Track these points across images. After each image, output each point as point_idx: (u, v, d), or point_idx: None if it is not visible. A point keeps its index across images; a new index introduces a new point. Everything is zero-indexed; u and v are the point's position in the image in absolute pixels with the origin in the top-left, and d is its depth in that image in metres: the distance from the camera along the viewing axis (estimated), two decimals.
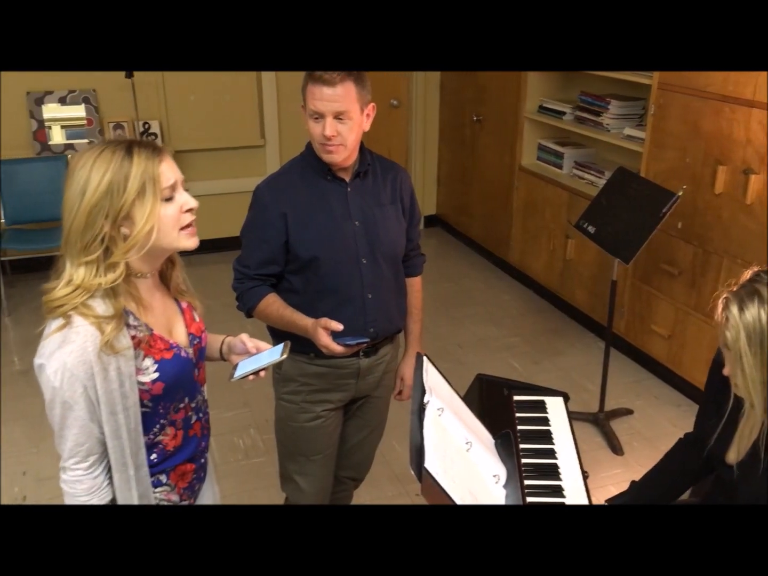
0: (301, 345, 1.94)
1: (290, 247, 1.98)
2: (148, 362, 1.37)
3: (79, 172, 1.28)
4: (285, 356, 1.53)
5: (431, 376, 1.65)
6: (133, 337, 1.34)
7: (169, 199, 1.34)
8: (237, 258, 2.06)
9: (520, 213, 4.76)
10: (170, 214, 1.34)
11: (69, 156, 4.66)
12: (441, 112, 5.70)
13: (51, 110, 4.67)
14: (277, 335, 2.10)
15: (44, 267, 4.81)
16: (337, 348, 1.85)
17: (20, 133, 4.65)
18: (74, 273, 1.30)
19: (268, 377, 2.21)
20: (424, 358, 1.67)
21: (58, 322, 1.29)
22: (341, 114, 1.85)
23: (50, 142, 4.69)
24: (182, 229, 1.37)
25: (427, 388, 1.57)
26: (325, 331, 1.84)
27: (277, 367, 2.13)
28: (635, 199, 3.09)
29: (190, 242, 1.39)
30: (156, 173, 1.30)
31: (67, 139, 4.73)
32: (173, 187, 1.35)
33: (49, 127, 4.68)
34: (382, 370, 2.16)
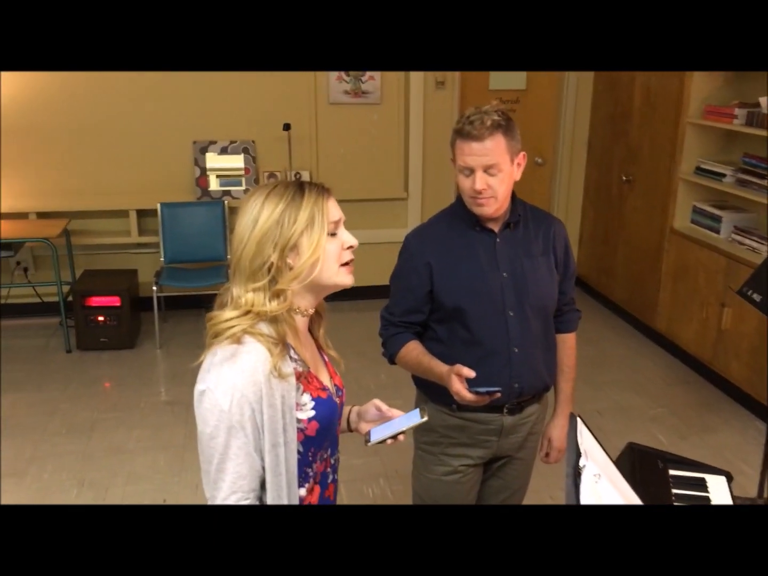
0: (443, 395, 1.90)
1: (435, 296, 1.97)
2: (306, 398, 1.37)
3: (252, 204, 1.34)
4: (425, 419, 1.49)
5: (586, 439, 1.55)
6: (294, 370, 1.35)
7: (332, 235, 1.38)
8: (385, 305, 2.08)
9: (670, 277, 4.52)
10: (333, 249, 1.37)
11: (226, 201, 4.94)
12: (587, 171, 5.58)
13: (212, 159, 4.99)
14: (420, 384, 2.07)
15: (195, 305, 5.10)
16: (468, 395, 1.78)
17: (184, 178, 5.01)
18: (242, 298, 1.34)
19: None
20: (578, 419, 1.58)
21: (224, 348, 1.31)
22: (491, 167, 1.83)
23: (210, 189, 5.01)
24: (342, 265, 1.40)
25: (582, 451, 1.47)
26: (458, 378, 1.79)
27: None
28: None
29: (348, 279, 1.42)
30: (324, 208, 1.35)
31: (223, 186, 5.04)
32: (337, 224, 1.39)
33: (209, 176, 5.00)
34: (527, 431, 2.07)
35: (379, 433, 1.49)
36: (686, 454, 3.35)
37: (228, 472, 1.29)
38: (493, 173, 1.83)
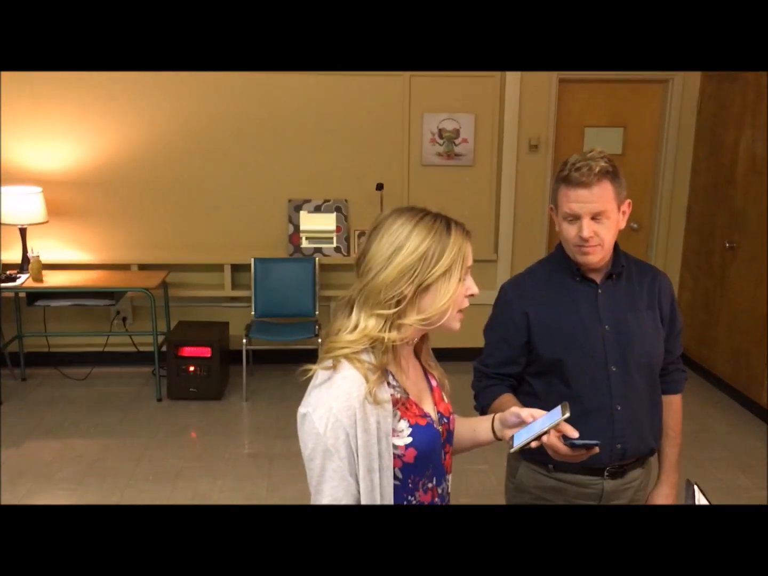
0: (539, 453, 1.78)
1: (532, 347, 1.89)
2: (403, 424, 1.33)
3: (397, 230, 1.31)
4: (567, 415, 1.44)
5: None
6: (391, 396, 1.33)
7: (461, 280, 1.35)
8: (479, 357, 2.00)
9: None
10: (459, 293, 1.35)
11: (317, 258, 5.02)
12: (686, 238, 5.38)
13: (306, 218, 5.10)
14: None
15: (282, 360, 5.15)
16: (563, 448, 1.65)
17: (278, 235, 5.13)
18: (364, 322, 1.32)
19: (500, 484, 2.09)
20: (696, 487, 1.45)
21: (323, 372, 1.32)
22: (598, 214, 1.75)
23: (302, 246, 5.11)
24: (458, 311, 1.37)
25: None
26: (555, 433, 1.68)
27: (511, 475, 2.00)
28: None
29: (458, 325, 1.39)
30: (467, 253, 1.33)
31: (315, 244, 5.13)
32: (468, 269, 1.36)
33: (302, 235, 5.11)
34: (629, 497, 1.93)
35: (521, 437, 1.44)
36: None
37: (325, 495, 1.29)
38: (600, 220, 1.76)
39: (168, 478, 3.69)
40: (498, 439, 1.56)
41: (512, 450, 1.44)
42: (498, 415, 1.55)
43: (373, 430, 1.28)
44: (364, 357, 1.32)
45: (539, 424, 1.44)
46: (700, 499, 1.43)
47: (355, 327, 1.32)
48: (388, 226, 1.32)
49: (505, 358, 1.93)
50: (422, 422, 1.37)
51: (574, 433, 1.60)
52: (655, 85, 5.23)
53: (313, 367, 1.36)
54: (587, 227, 1.76)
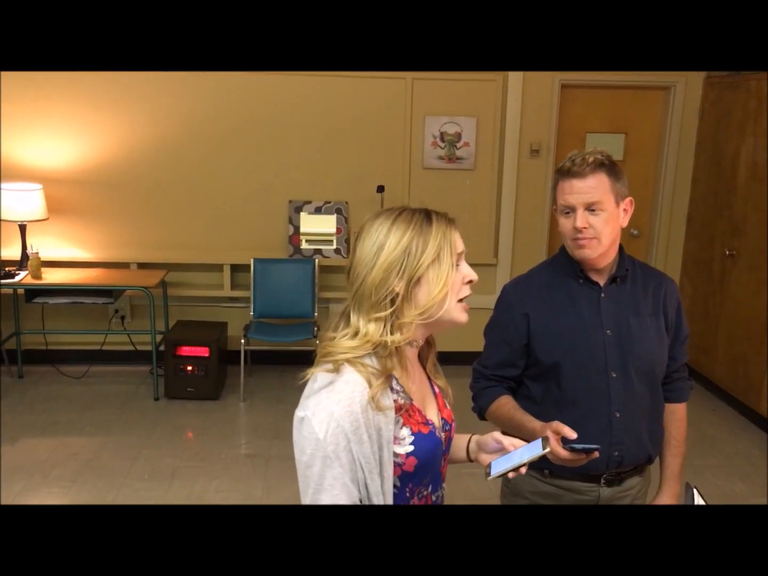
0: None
1: (531, 350, 1.87)
2: (405, 432, 1.30)
3: (376, 231, 1.29)
4: (547, 450, 1.41)
5: None
6: (394, 402, 1.29)
7: (456, 266, 1.32)
8: (478, 358, 1.99)
9: None
10: (456, 281, 1.31)
11: (317, 259, 5.01)
12: (686, 245, 5.38)
13: (306, 219, 5.09)
14: None
15: (280, 361, 5.14)
16: (562, 452, 1.63)
17: (278, 236, 5.13)
18: (364, 327, 1.29)
19: (496, 488, 2.08)
20: (695, 490, 1.45)
21: (324, 375, 1.28)
22: (593, 205, 1.73)
23: (302, 247, 5.10)
24: (459, 301, 1.33)
25: None
26: (554, 436, 1.65)
27: (507, 480, 1.98)
28: None
29: (464, 316, 1.34)
30: (453, 238, 1.30)
31: (315, 245, 5.12)
32: (460, 256, 1.33)
33: (302, 237, 5.10)
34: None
35: (499, 466, 1.41)
36: None
37: (324, 503, 1.23)
38: (596, 212, 1.74)
39: (164, 478, 3.68)
40: (470, 460, 1.53)
41: (489, 478, 1.41)
42: (475, 437, 1.52)
43: (375, 437, 1.24)
44: (367, 361, 1.28)
45: (519, 454, 1.41)
46: (699, 503, 1.42)
47: (356, 333, 1.29)
48: (368, 228, 1.30)
49: (504, 359, 1.91)
50: (425, 430, 1.33)
51: (572, 434, 1.59)
52: (657, 92, 5.23)
53: (312, 370, 1.32)
54: (581, 217, 1.74)
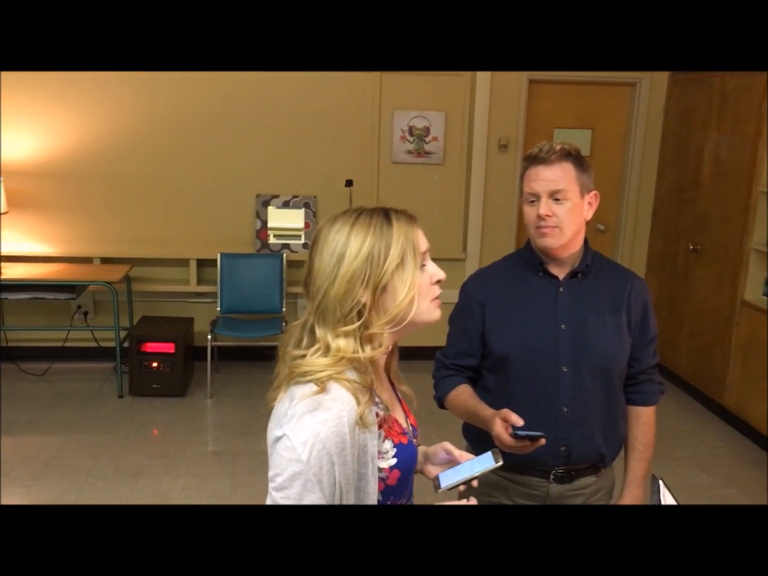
0: (488, 449, 1.77)
1: (485, 340, 1.86)
2: (387, 445, 1.24)
3: (334, 237, 1.21)
4: (500, 463, 1.37)
5: (669, 503, 1.41)
6: (376, 415, 1.23)
7: (421, 266, 1.26)
8: (441, 348, 1.99)
9: (741, 352, 4.31)
10: (424, 283, 1.26)
11: (284, 254, 4.97)
12: (651, 240, 5.45)
13: (273, 214, 5.04)
14: (469, 436, 1.97)
15: (248, 357, 5.08)
16: (508, 439, 1.63)
17: (245, 230, 5.07)
18: (334, 344, 1.21)
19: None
20: (661, 482, 1.44)
21: (307, 393, 1.18)
22: (557, 193, 1.73)
23: (269, 241, 5.05)
24: (431, 300, 1.28)
25: None
26: (502, 423, 1.64)
27: None
28: None
29: (436, 314, 1.29)
30: (415, 240, 1.24)
31: (283, 240, 5.08)
32: (425, 255, 1.27)
33: (269, 231, 5.05)
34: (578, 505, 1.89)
35: (449, 479, 1.37)
36: None
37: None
38: (560, 201, 1.74)
39: (129, 476, 3.61)
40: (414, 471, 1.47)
41: (439, 491, 1.37)
42: (422, 448, 1.48)
43: (359, 456, 1.18)
44: (350, 375, 1.21)
45: (468, 467, 1.38)
46: (665, 495, 1.42)
47: (327, 349, 1.21)
48: (325, 236, 1.23)
49: (462, 349, 1.91)
50: (404, 440, 1.28)
51: (519, 421, 1.59)
52: (623, 89, 5.28)
53: (286, 390, 1.23)
54: (544, 205, 1.74)
